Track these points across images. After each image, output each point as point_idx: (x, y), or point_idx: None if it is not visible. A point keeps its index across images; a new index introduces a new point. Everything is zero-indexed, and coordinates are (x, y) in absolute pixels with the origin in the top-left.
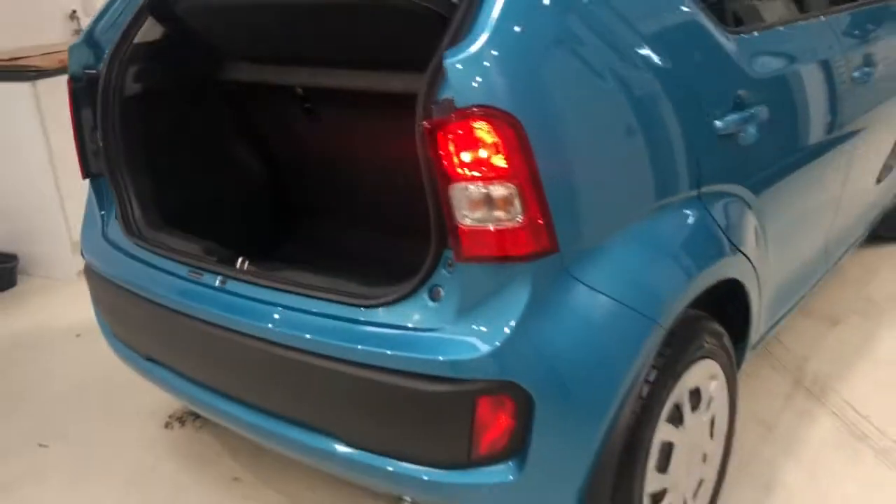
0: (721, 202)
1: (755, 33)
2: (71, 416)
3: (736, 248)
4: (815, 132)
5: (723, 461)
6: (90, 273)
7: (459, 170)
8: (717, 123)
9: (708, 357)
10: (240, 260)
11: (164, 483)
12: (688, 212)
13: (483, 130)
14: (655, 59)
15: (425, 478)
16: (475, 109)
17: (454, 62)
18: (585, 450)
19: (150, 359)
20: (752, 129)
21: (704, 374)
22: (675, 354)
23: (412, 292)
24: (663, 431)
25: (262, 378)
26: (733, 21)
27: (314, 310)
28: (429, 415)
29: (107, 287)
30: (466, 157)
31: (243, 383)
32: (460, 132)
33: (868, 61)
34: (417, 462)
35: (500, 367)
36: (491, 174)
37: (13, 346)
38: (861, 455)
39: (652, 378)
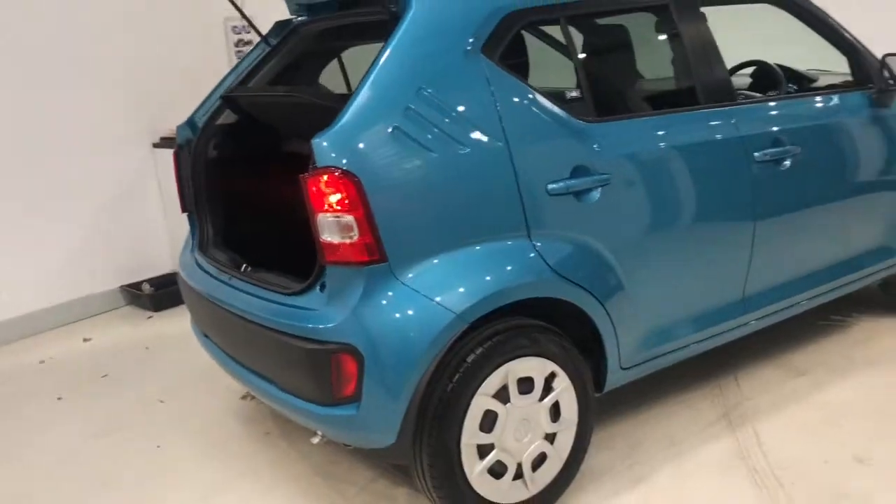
0: (554, 243)
1: (613, 122)
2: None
3: (564, 278)
4: (693, 200)
5: (575, 448)
6: (179, 279)
7: (320, 206)
8: (550, 186)
9: (542, 356)
10: (243, 266)
11: (223, 432)
12: (514, 246)
13: (332, 181)
14: (484, 139)
15: (312, 411)
16: (328, 168)
17: (318, 140)
18: (399, 397)
19: (205, 335)
20: (595, 193)
21: (537, 369)
22: (495, 346)
23: (310, 285)
24: (485, 401)
25: (241, 340)
26: (594, 112)
27: (264, 296)
28: (310, 366)
29: (186, 287)
30: (323, 198)
31: (235, 345)
32: (320, 182)
33: (786, 144)
34: (309, 400)
35: (343, 333)
36: (338, 209)
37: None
38: (734, 470)
39: (470, 360)
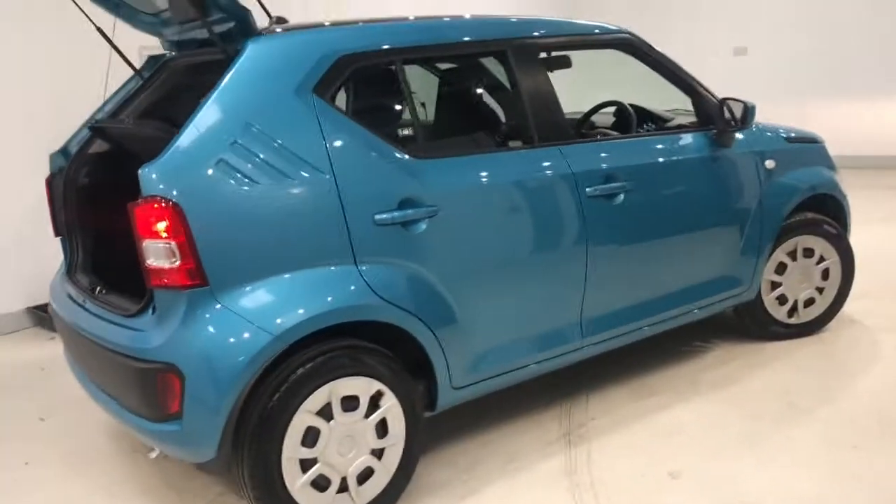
0: (381, 270)
1: (444, 159)
2: (72, 410)
3: (390, 303)
4: (523, 232)
5: (403, 462)
6: (49, 304)
7: (144, 232)
8: (377, 216)
9: (368, 376)
10: (97, 289)
11: (94, 450)
12: (340, 272)
13: (156, 210)
14: (311, 172)
15: (144, 427)
16: (150, 197)
17: (144, 170)
18: (217, 414)
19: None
20: (422, 224)
21: (362, 388)
22: (317, 366)
23: (143, 308)
24: (307, 418)
25: (91, 360)
26: (423, 150)
27: (108, 318)
28: (140, 384)
29: (53, 312)
30: (148, 225)
31: (88, 365)
32: (144, 209)
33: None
34: (142, 416)
35: (166, 353)
36: (159, 236)
37: None
38: (558, 485)
39: (291, 379)
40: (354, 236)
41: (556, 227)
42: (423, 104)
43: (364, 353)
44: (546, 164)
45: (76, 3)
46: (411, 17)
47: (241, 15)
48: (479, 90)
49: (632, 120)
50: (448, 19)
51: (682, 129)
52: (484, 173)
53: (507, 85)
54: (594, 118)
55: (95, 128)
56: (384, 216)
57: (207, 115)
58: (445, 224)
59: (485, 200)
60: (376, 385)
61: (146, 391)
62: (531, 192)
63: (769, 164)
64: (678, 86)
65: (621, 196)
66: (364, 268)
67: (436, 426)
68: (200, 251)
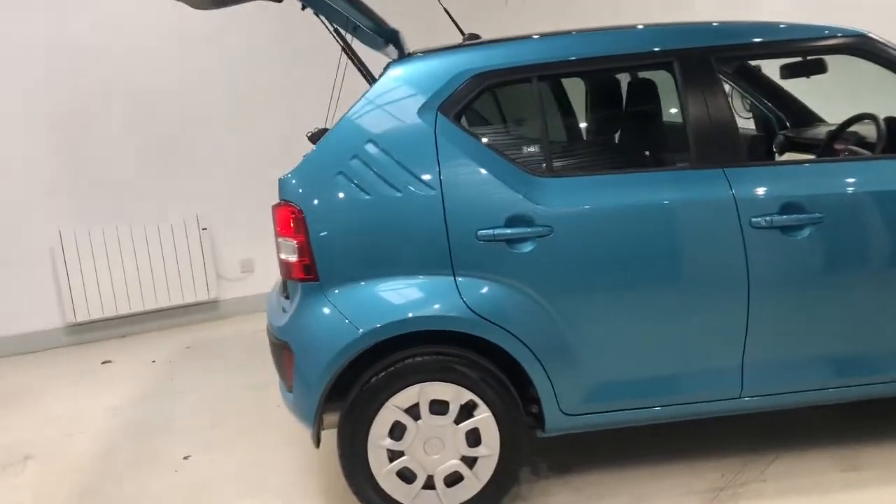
0: (478, 284)
1: (565, 177)
2: None
3: (484, 318)
4: (652, 260)
5: (497, 476)
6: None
7: (280, 229)
8: (481, 232)
9: (459, 384)
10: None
11: None
12: (436, 282)
13: (284, 212)
14: (418, 186)
15: (284, 395)
16: (284, 201)
17: (281, 178)
18: (313, 390)
19: None
20: (530, 243)
21: (452, 394)
22: (405, 367)
23: (287, 295)
24: (394, 413)
25: None
26: (549, 168)
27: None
28: (275, 357)
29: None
30: (280, 224)
31: None
32: (278, 211)
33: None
34: (284, 387)
35: (285, 333)
36: (287, 234)
37: None
38: None
39: (381, 374)
40: (455, 250)
41: (701, 258)
42: (549, 120)
43: (457, 362)
44: (698, 187)
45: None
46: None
47: (388, 36)
48: (631, 106)
49: (879, 139)
50: (605, 31)
51: None
52: (613, 195)
53: (666, 100)
54: (858, 133)
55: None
56: (487, 232)
57: (338, 131)
58: (560, 245)
59: (610, 224)
60: (467, 394)
61: (278, 363)
62: (671, 217)
63: None
64: None
65: (807, 230)
66: (461, 281)
67: (584, 448)
68: (314, 251)
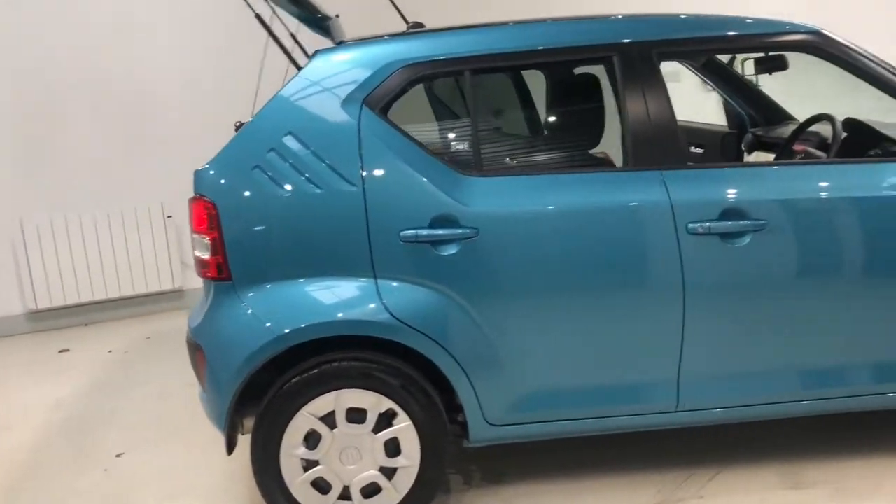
0: (400, 288)
1: (495, 177)
2: None
3: (405, 324)
4: (590, 266)
5: (416, 488)
6: None
7: (194, 225)
8: (404, 233)
9: (378, 392)
10: None
11: None
12: (356, 285)
13: (197, 206)
14: (339, 182)
15: (200, 395)
16: (198, 195)
17: (196, 171)
18: (222, 394)
19: None
20: (455, 245)
21: (371, 403)
22: (320, 373)
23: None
24: (308, 421)
25: None
26: (479, 167)
27: None
28: (190, 357)
29: None
30: (194, 219)
31: None
32: (193, 206)
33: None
34: (201, 386)
35: (197, 333)
36: (201, 230)
37: None
38: None
39: (294, 381)
40: (376, 251)
41: (634, 265)
42: (479, 117)
43: (376, 369)
44: (633, 189)
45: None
46: (512, 21)
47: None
48: (568, 103)
49: (834, 141)
50: (545, 22)
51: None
52: (543, 196)
53: (603, 97)
54: (820, 134)
55: None
56: (410, 233)
57: (256, 123)
58: (486, 248)
59: (539, 227)
60: (387, 403)
61: (193, 364)
62: (602, 221)
63: None
64: (893, 95)
65: (747, 237)
66: (382, 284)
67: (521, 457)
68: (228, 249)
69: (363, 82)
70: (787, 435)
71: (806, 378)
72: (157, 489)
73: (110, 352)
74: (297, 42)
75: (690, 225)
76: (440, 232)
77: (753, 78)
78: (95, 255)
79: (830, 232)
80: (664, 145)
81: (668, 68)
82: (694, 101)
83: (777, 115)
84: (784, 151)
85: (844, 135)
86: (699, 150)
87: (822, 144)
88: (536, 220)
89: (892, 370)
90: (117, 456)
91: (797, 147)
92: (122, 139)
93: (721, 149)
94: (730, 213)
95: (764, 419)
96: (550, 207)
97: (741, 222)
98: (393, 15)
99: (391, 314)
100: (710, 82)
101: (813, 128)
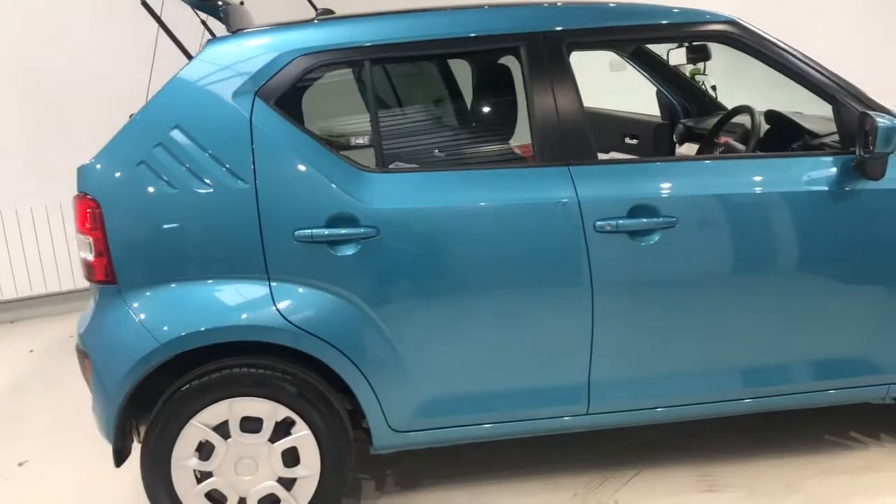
0: (295, 291)
1: (394, 173)
2: None
3: (298, 328)
4: (486, 266)
5: (317, 499)
6: None
7: (78, 224)
8: (298, 232)
9: (274, 400)
10: None
11: None
12: (248, 288)
13: (80, 205)
14: (230, 179)
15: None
16: (81, 193)
17: (79, 167)
18: (108, 404)
19: None
20: (354, 245)
21: (266, 411)
22: (211, 381)
23: None
24: (200, 431)
25: None
26: (378, 162)
27: None
28: (79, 362)
29: None
30: (78, 218)
31: None
32: (76, 204)
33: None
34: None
35: (83, 340)
36: (84, 230)
37: None
38: None
39: (183, 389)
40: (269, 252)
41: (540, 265)
42: (383, 110)
43: (272, 375)
44: (540, 186)
45: None
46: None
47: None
48: (476, 96)
49: (752, 134)
50: (449, 10)
51: (815, 150)
52: (448, 193)
53: (512, 89)
54: (745, 126)
55: None
56: (304, 232)
57: (143, 116)
58: (386, 248)
59: (442, 225)
60: (284, 411)
61: (82, 371)
62: (507, 219)
63: None
64: (810, 89)
65: (657, 235)
66: (276, 286)
67: (438, 459)
68: (112, 249)
69: (256, 73)
70: (706, 436)
71: (720, 380)
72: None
73: (31, 351)
74: (208, 30)
75: (598, 223)
76: (337, 231)
77: (701, 66)
78: (18, 250)
79: (744, 229)
80: (572, 140)
81: (612, 58)
82: (643, 90)
83: (710, 105)
84: (706, 144)
85: (767, 127)
86: (634, 141)
87: (746, 137)
88: (439, 218)
89: (804, 369)
90: (20, 465)
91: (721, 139)
92: (43, 132)
93: (654, 140)
94: (639, 210)
95: (680, 421)
96: (454, 205)
97: (650, 220)
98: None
99: (285, 318)
100: (644, 72)
101: (739, 120)
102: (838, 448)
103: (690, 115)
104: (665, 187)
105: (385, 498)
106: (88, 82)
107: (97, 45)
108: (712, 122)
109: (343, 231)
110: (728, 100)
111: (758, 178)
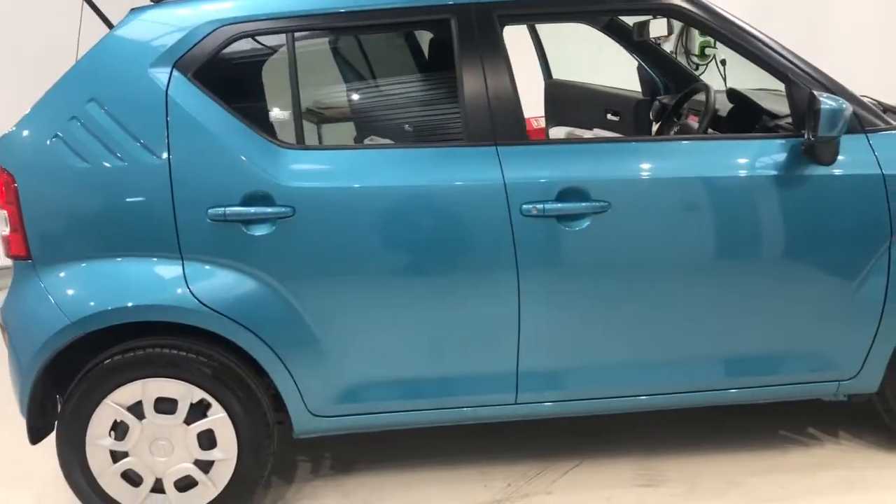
0: (209, 271)
1: (315, 150)
2: None
3: (212, 309)
4: (409, 249)
5: (235, 482)
6: None
7: None
8: (212, 210)
9: (189, 382)
10: None
11: None
12: (161, 267)
13: None
14: (144, 153)
15: None
16: None
17: None
18: (21, 379)
19: None
20: (265, 225)
21: (181, 393)
22: (124, 361)
23: None
24: (114, 410)
25: None
26: (299, 139)
27: None
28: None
29: None
30: None
31: None
32: None
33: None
34: None
35: (1, 315)
36: (1, 202)
37: None
38: None
39: (96, 368)
40: (183, 230)
41: (465, 249)
42: (303, 84)
43: (186, 357)
44: (465, 166)
45: None
46: None
47: None
48: (402, 69)
49: (705, 114)
50: None
51: (770, 131)
52: (368, 172)
53: (441, 65)
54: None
55: None
56: (218, 211)
57: (57, 89)
58: (303, 228)
59: (362, 205)
60: (200, 393)
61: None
62: (429, 200)
63: None
64: (762, 67)
65: (587, 220)
66: (190, 266)
67: (377, 444)
68: (27, 225)
69: (174, 44)
70: (655, 428)
71: (655, 372)
72: None
73: None
74: None
75: (524, 206)
76: (250, 210)
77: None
78: None
79: (681, 215)
80: (502, 119)
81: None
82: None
83: (689, 82)
84: (665, 124)
85: (730, 107)
86: (615, 118)
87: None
88: (359, 198)
89: (745, 363)
90: None
91: (690, 119)
92: None
93: (635, 116)
94: (568, 193)
95: (612, 413)
96: (375, 184)
97: (579, 204)
98: None
99: (197, 299)
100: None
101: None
102: (792, 445)
103: (670, 92)
104: (597, 170)
105: (318, 480)
106: (12, 50)
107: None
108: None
109: (257, 210)
110: (739, 77)
111: (699, 162)
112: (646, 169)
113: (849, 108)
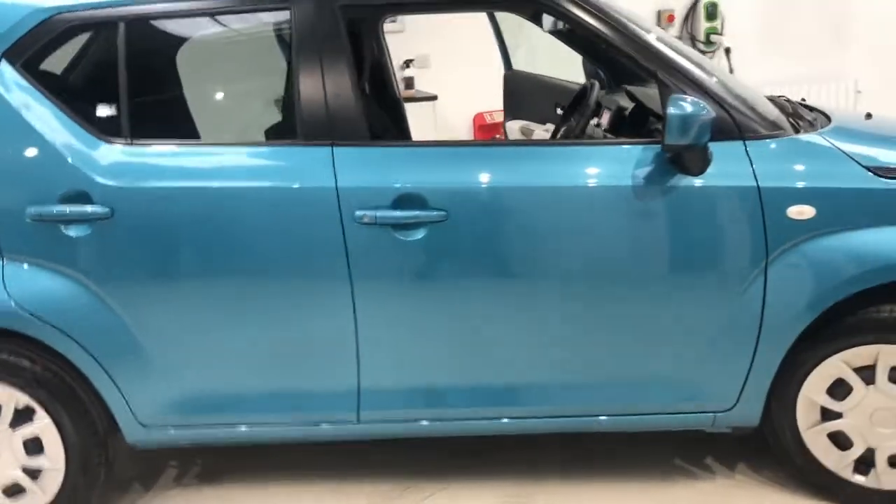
0: (27, 273)
1: (140, 146)
2: None
3: (29, 312)
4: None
5: (65, 492)
6: None
7: None
8: (31, 209)
9: (9, 385)
10: None
11: None
12: None
13: None
14: None
15: None
16: None
17: None
18: None
19: None
20: (83, 226)
21: (6, 398)
22: None
23: None
24: None
25: None
26: (126, 134)
27: None
28: None
29: None
30: None
31: None
32: None
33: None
34: None
35: None
36: None
37: None
38: None
39: None
40: (1, 229)
41: (294, 258)
42: (130, 75)
43: (5, 361)
44: (296, 168)
45: None
46: None
47: None
48: (238, 62)
49: (581, 115)
50: None
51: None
52: (195, 171)
53: (280, 60)
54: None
55: None
56: (37, 210)
57: None
58: (122, 230)
59: (186, 208)
60: (23, 398)
61: None
62: (258, 203)
63: (797, 211)
64: (629, 63)
65: (422, 230)
66: (8, 266)
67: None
68: None
69: (4, 33)
70: (529, 452)
71: (503, 394)
72: None
73: None
74: None
75: (357, 213)
76: (66, 210)
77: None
78: None
79: (528, 228)
80: (340, 117)
81: None
82: None
83: (632, 76)
84: (561, 125)
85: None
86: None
87: (617, 116)
88: (183, 199)
89: (601, 389)
90: None
91: (601, 117)
92: None
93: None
94: (405, 200)
95: (472, 435)
96: (200, 185)
97: (414, 212)
98: None
99: (14, 301)
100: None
101: (618, 98)
102: (681, 477)
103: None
104: (437, 176)
105: (177, 489)
106: None
107: None
108: (620, 95)
109: (73, 209)
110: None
111: (549, 170)
112: (488, 177)
113: (707, 113)
